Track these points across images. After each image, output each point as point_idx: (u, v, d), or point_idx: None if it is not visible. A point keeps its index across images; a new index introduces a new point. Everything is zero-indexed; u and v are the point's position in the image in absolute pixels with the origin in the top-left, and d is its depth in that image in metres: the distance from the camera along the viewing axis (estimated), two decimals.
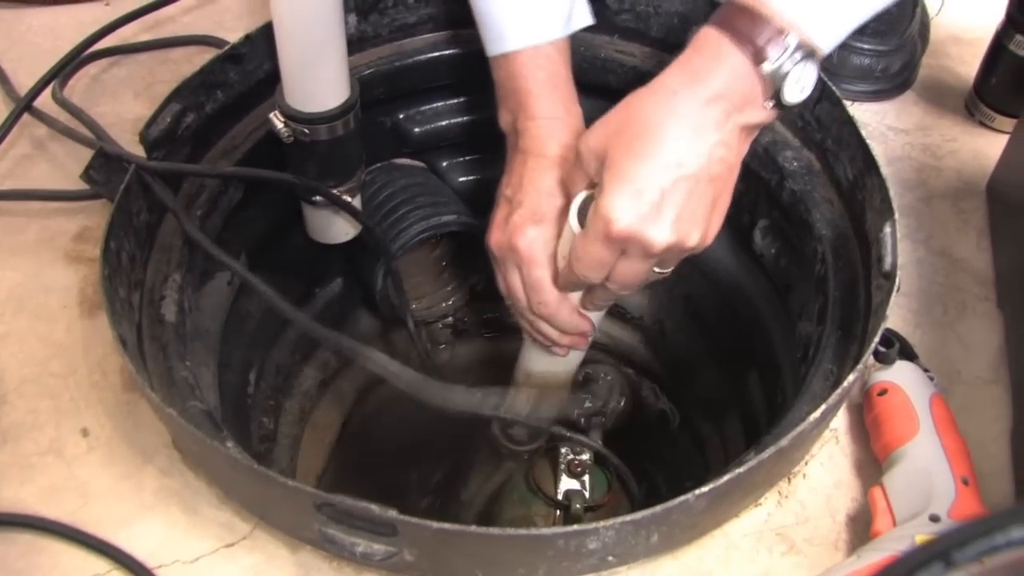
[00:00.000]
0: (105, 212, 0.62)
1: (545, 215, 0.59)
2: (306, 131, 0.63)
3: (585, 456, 0.71)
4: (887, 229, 0.53)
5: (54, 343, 0.62)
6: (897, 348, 0.54)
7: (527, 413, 0.70)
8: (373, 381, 0.90)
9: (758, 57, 0.49)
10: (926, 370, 0.55)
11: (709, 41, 0.50)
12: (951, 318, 0.63)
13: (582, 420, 0.74)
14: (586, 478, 0.72)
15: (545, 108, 0.62)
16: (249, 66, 0.69)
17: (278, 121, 0.63)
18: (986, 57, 0.79)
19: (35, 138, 0.77)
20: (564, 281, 0.59)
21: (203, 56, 0.70)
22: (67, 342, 0.62)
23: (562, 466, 0.72)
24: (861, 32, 0.78)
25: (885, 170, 0.57)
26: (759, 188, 0.69)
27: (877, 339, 0.49)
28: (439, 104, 0.80)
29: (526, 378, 0.73)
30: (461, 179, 0.85)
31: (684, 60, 0.51)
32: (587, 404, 0.74)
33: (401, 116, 0.79)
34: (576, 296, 0.61)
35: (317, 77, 0.61)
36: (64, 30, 0.88)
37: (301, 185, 0.67)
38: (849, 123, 0.61)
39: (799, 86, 0.50)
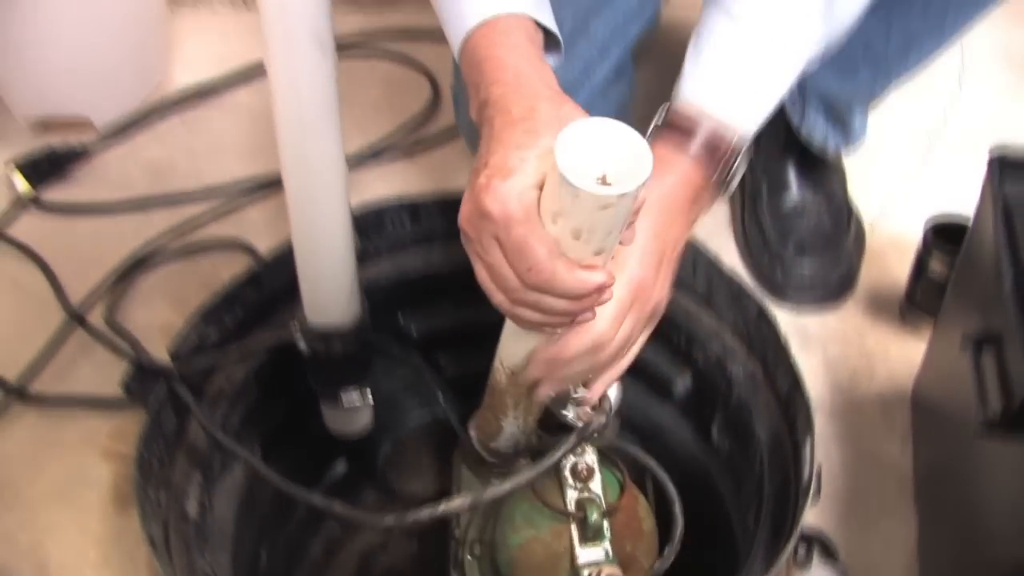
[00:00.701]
0: (138, 413, 0.72)
1: (515, 168, 0.50)
2: (323, 345, 0.73)
3: (589, 457, 0.65)
4: (807, 445, 0.63)
5: (91, 533, 0.71)
6: (814, 550, 0.63)
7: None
8: (376, 547, 0.97)
9: (721, 176, 0.60)
10: (844, 572, 0.63)
11: (686, 170, 0.59)
12: (874, 518, 0.71)
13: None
14: (596, 481, 0.65)
15: (510, 71, 0.57)
16: (265, 286, 0.80)
17: (299, 338, 0.73)
18: (913, 267, 0.88)
19: (82, 342, 0.88)
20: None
21: (230, 260, 0.82)
22: (102, 533, 0.71)
23: (566, 473, 0.65)
24: (801, 251, 0.90)
25: (819, 379, 0.66)
26: (714, 391, 0.79)
27: (792, 543, 0.57)
28: (434, 307, 0.91)
29: (512, 378, 0.62)
30: (456, 372, 0.94)
31: (673, 174, 0.59)
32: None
33: (400, 319, 0.89)
34: (574, 249, 0.50)
35: (332, 300, 0.71)
36: (107, 237, 1.00)
37: (325, 392, 0.77)
38: (782, 345, 0.71)
39: (735, 177, 0.62)
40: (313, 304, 0.71)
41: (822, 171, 0.93)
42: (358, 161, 1.05)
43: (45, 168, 1.06)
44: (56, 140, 1.10)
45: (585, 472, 0.65)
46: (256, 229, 0.99)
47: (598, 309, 0.52)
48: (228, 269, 0.92)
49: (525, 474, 0.61)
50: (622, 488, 0.66)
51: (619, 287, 0.53)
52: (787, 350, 0.70)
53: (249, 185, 1.04)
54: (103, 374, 0.83)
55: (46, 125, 1.14)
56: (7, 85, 1.13)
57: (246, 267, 0.87)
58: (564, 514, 0.64)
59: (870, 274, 0.94)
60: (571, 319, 0.53)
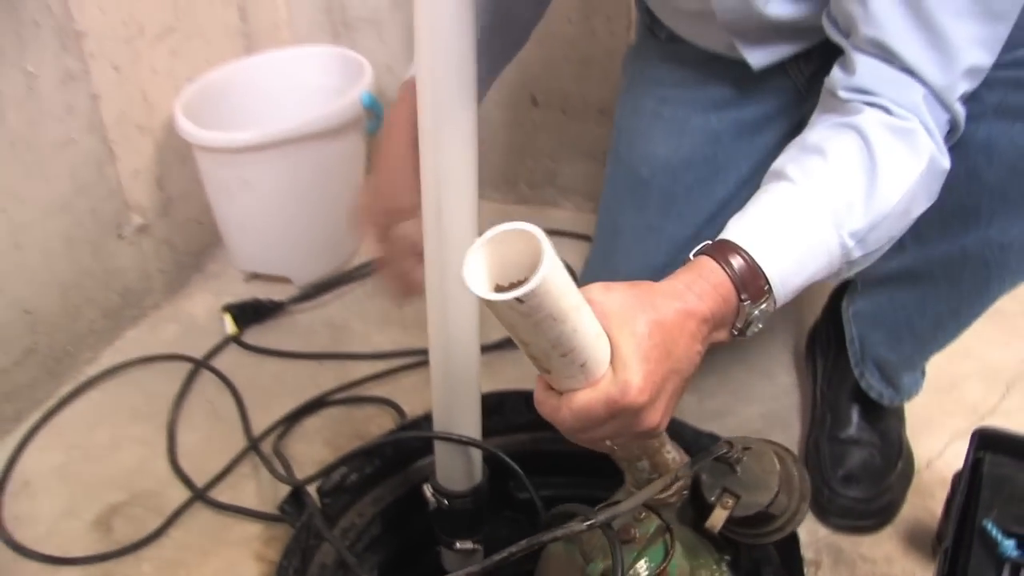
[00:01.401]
0: (287, 529, 0.92)
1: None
2: (447, 502, 0.88)
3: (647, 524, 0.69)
4: None
5: None
6: None
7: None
8: None
9: (740, 294, 0.63)
10: None
11: (708, 269, 0.63)
12: None
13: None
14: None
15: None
16: (404, 443, 0.99)
17: (429, 494, 0.88)
18: (943, 508, 0.93)
19: (254, 463, 1.09)
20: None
21: (380, 415, 1.00)
22: None
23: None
24: (848, 481, 1.00)
25: None
26: None
27: None
28: (541, 478, 1.07)
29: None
30: None
31: (686, 277, 0.63)
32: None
33: (512, 486, 1.06)
34: (560, 369, 0.56)
35: (459, 467, 0.87)
36: (289, 379, 1.23)
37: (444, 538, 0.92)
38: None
39: (757, 324, 0.66)
40: (443, 468, 0.87)
41: (881, 413, 1.03)
42: (496, 346, 1.23)
43: (249, 314, 1.31)
44: (261, 292, 1.36)
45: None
46: (406, 393, 1.18)
47: (580, 396, 0.57)
48: (377, 423, 1.13)
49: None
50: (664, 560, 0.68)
51: (605, 383, 0.57)
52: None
53: (406, 355, 1.24)
54: (266, 492, 1.04)
55: (256, 278, 1.41)
56: (230, 244, 1.41)
57: (392, 424, 1.08)
58: None
59: (914, 507, 1.01)
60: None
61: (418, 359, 1.23)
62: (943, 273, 0.87)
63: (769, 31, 0.86)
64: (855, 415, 1.02)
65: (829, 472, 1.00)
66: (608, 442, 0.62)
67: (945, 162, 0.70)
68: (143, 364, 1.24)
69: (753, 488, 0.69)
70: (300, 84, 1.44)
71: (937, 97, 0.69)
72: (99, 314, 1.27)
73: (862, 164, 0.67)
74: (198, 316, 1.34)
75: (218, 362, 1.25)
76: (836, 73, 0.72)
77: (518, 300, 0.48)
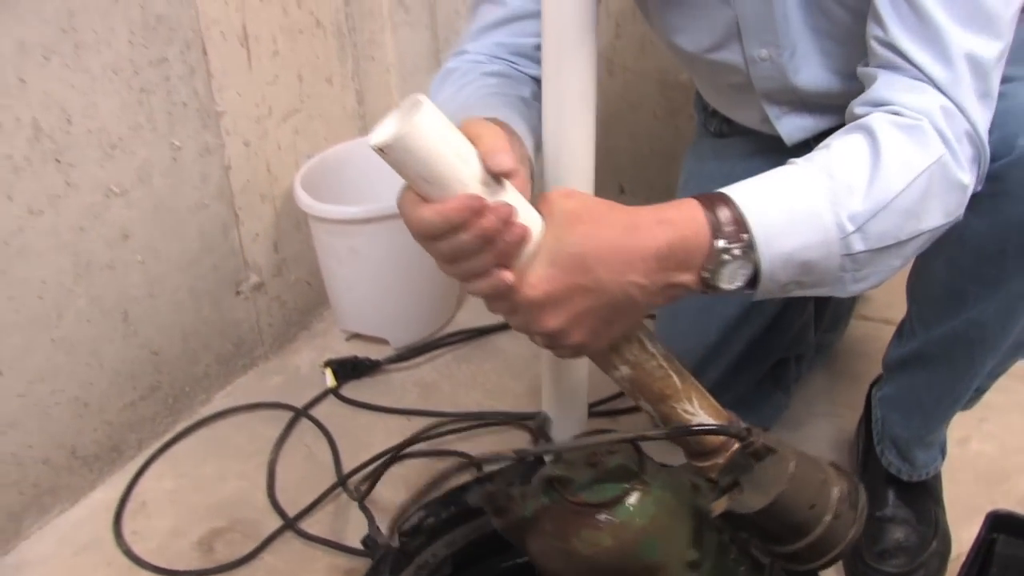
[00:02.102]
0: (367, 562, 1.01)
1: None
2: None
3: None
4: None
5: None
6: None
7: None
8: None
9: (715, 234, 0.63)
10: None
11: (688, 205, 0.65)
12: None
13: None
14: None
15: None
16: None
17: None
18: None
19: (342, 501, 1.20)
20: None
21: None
22: None
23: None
24: (882, 557, 1.02)
25: None
26: None
27: None
28: None
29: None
30: None
31: (662, 207, 0.66)
32: None
33: None
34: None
35: None
36: (379, 431, 1.34)
37: None
38: None
39: (732, 276, 0.65)
40: None
41: (915, 493, 1.07)
42: None
43: (348, 370, 1.43)
44: (361, 351, 1.48)
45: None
46: (484, 450, 1.28)
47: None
48: (456, 475, 1.23)
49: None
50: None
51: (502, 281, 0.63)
52: None
53: (487, 416, 1.34)
54: (351, 528, 1.14)
55: (356, 338, 1.54)
56: (335, 305, 1.54)
57: (469, 478, 1.17)
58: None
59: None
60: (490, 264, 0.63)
61: (498, 420, 1.33)
62: (941, 353, 0.93)
63: (801, 103, 0.94)
64: (890, 494, 1.07)
65: (865, 548, 1.04)
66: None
67: (963, 176, 0.69)
68: (250, 410, 1.38)
69: (755, 489, 0.65)
70: None
71: (953, 105, 0.69)
72: (214, 360, 1.41)
73: (865, 152, 0.68)
74: (302, 369, 1.47)
75: (317, 411, 1.37)
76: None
77: (380, 150, 0.59)
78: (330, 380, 1.40)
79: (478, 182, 0.63)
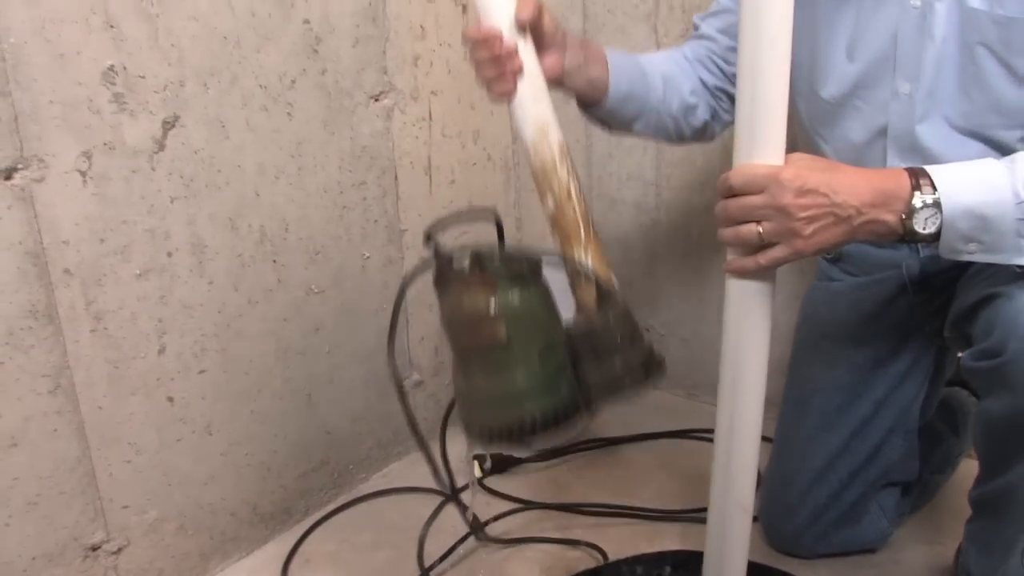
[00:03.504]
0: None
1: None
2: None
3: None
4: None
5: None
6: None
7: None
8: None
9: (914, 188, 0.85)
10: None
11: (897, 171, 0.87)
12: None
13: None
14: None
15: None
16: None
17: None
18: None
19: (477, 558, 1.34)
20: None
21: (586, 557, 1.24)
22: None
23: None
24: None
25: None
26: None
27: None
28: None
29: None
30: None
31: (882, 170, 0.90)
32: None
33: None
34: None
35: None
36: (518, 519, 1.48)
37: None
38: None
39: (926, 222, 0.85)
40: None
41: None
42: None
43: (494, 464, 1.59)
44: (505, 449, 1.65)
45: None
46: (610, 542, 1.39)
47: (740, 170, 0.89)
48: (584, 562, 1.35)
49: None
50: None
51: (763, 167, 0.87)
52: None
53: (613, 510, 1.47)
54: None
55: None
56: None
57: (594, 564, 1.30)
58: None
59: None
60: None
61: (623, 513, 1.45)
62: (1000, 501, 1.01)
63: (920, 159, 1.06)
64: None
65: None
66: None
67: None
68: (405, 492, 1.55)
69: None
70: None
71: None
72: (375, 444, 1.60)
73: None
74: (451, 460, 1.64)
75: (463, 498, 1.52)
76: None
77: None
78: (477, 471, 1.56)
79: (507, 25, 0.95)
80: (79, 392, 1.12)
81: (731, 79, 1.17)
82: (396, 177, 1.52)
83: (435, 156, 1.61)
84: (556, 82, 1.04)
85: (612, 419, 1.78)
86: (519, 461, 1.60)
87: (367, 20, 1.40)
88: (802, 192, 0.86)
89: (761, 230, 0.88)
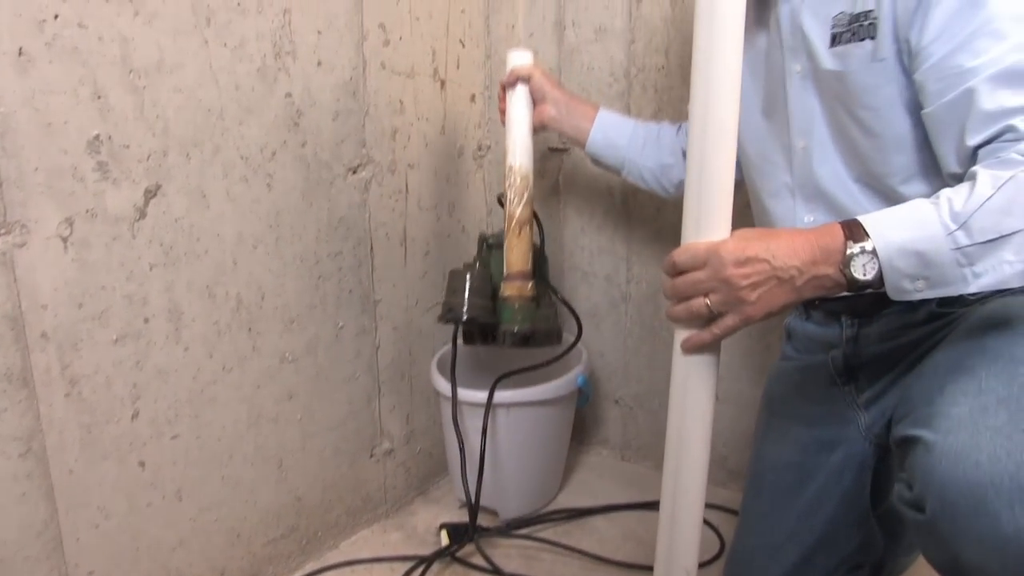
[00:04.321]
0: None
1: None
2: None
3: None
4: None
5: None
6: None
7: None
8: None
9: (847, 238, 0.88)
10: None
11: (833, 227, 0.90)
12: None
13: None
14: None
15: None
16: None
17: None
18: None
19: None
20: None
21: None
22: None
23: None
24: None
25: None
26: None
27: None
28: None
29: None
30: None
31: (816, 228, 0.91)
32: None
33: None
34: None
35: None
36: None
37: None
38: None
39: (864, 268, 0.87)
40: None
41: None
42: None
43: (461, 534, 1.59)
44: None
45: None
46: None
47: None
48: None
49: None
50: None
51: (704, 243, 0.94)
52: None
53: None
54: None
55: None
56: (454, 479, 1.72)
57: None
58: None
59: None
60: None
61: None
62: None
63: (820, 198, 1.14)
64: None
65: None
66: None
67: None
68: (373, 563, 1.54)
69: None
70: None
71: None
72: (345, 511, 1.60)
73: (963, 185, 0.87)
74: (418, 528, 1.64)
75: (432, 569, 1.52)
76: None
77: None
78: (444, 540, 1.56)
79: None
80: (50, 456, 1.13)
81: None
82: (371, 248, 1.55)
83: (411, 227, 1.64)
84: (542, 125, 1.49)
85: (581, 490, 1.79)
86: (487, 531, 1.61)
87: (347, 94, 1.45)
88: (741, 262, 0.91)
89: (709, 302, 0.95)
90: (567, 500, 1.75)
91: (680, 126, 1.46)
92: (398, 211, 1.61)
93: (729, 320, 0.95)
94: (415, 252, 1.66)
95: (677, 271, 0.97)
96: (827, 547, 1.24)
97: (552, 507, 1.71)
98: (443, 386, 1.60)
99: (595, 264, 1.88)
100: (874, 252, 0.87)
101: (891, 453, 1.26)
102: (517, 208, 1.47)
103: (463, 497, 1.69)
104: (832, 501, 1.23)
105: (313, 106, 1.39)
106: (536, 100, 1.47)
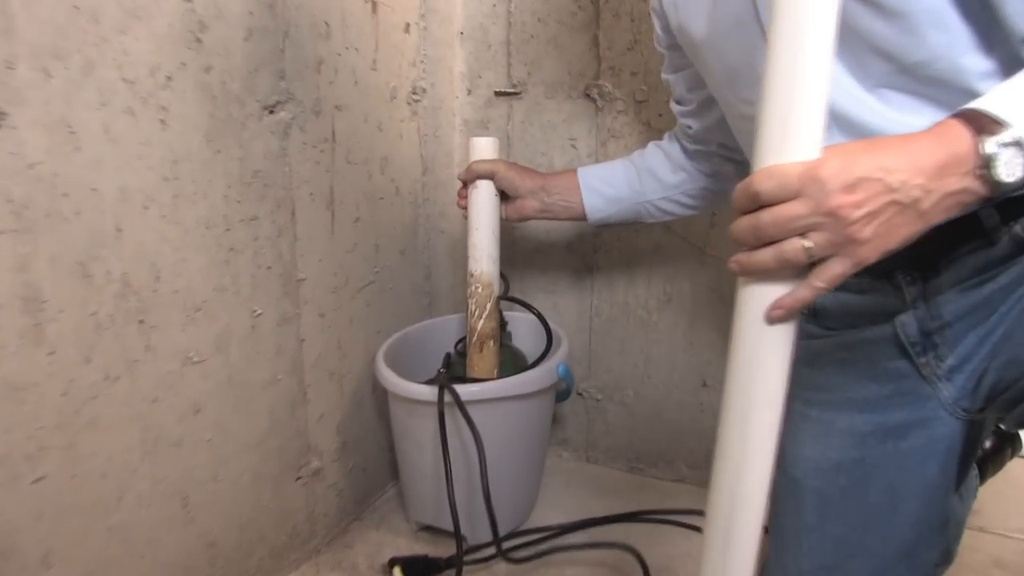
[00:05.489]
0: None
1: None
2: None
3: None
4: None
5: None
6: None
7: None
8: None
9: (976, 132, 0.67)
10: None
11: (950, 125, 0.69)
12: None
13: None
14: None
15: None
16: None
17: None
18: None
19: None
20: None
21: None
22: None
23: None
24: None
25: None
26: None
27: None
28: None
29: None
30: None
31: (930, 130, 0.70)
32: None
33: None
34: None
35: None
36: None
37: None
38: None
39: (1009, 168, 0.67)
40: None
41: None
42: None
43: (419, 569, 1.26)
44: (428, 547, 1.32)
45: None
46: None
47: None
48: None
49: None
50: None
51: (795, 165, 0.68)
52: None
53: None
54: None
55: (426, 531, 1.38)
56: (408, 498, 1.39)
57: None
58: None
59: None
60: None
61: None
62: None
63: None
64: None
65: None
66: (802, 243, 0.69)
67: None
68: None
69: None
70: None
71: None
72: (267, 553, 1.24)
73: None
74: (359, 565, 1.30)
75: None
76: None
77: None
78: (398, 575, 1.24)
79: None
80: None
81: (696, 138, 1.22)
82: (293, 212, 1.20)
83: (338, 186, 1.29)
84: (524, 219, 1.33)
85: (549, 503, 1.49)
86: (449, 562, 1.28)
87: (263, 7, 1.09)
88: (850, 186, 0.68)
89: (809, 244, 0.70)
90: (541, 516, 1.44)
91: (669, 135, 1.29)
92: (324, 165, 1.25)
93: (836, 267, 0.71)
94: (344, 218, 1.32)
95: (759, 203, 0.71)
96: (904, 561, 0.96)
97: (527, 525, 1.40)
98: (395, 383, 1.26)
99: (552, 229, 1.57)
100: (1018, 143, 0.68)
101: (983, 429, 1.01)
102: (479, 321, 1.31)
103: (420, 519, 1.37)
104: (910, 500, 0.95)
105: (219, 18, 1.02)
106: (509, 195, 1.30)
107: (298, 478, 1.29)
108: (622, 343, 1.56)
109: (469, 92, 1.59)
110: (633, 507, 1.45)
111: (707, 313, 1.49)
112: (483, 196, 1.28)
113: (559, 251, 1.57)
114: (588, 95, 1.49)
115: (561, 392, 1.38)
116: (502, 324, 1.37)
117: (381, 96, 1.38)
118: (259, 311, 1.16)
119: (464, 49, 1.58)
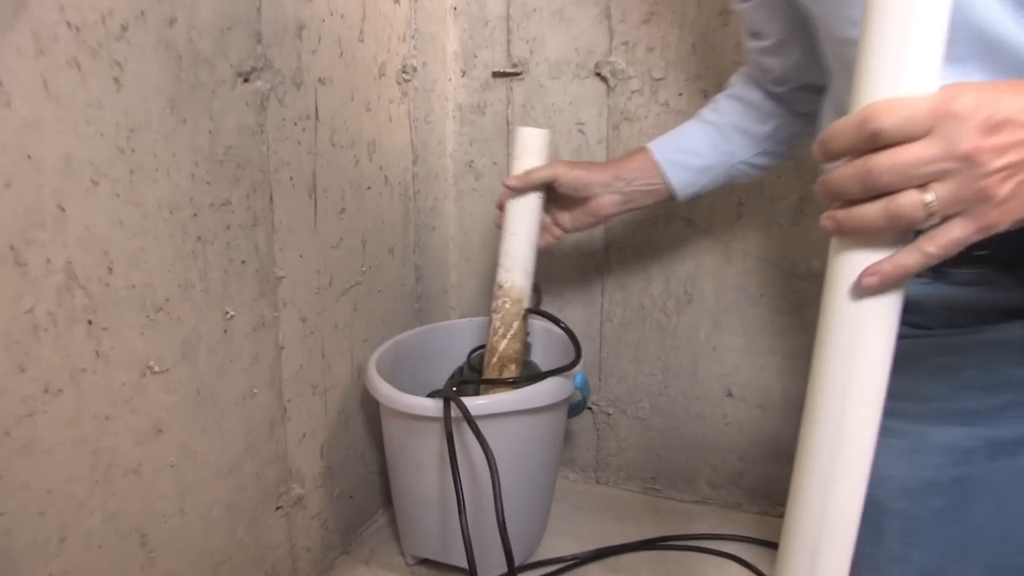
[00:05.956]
0: None
1: None
2: None
3: None
4: None
5: None
6: None
7: None
8: None
9: None
10: None
11: None
12: None
13: None
14: None
15: None
16: None
17: None
18: None
19: None
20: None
21: None
22: None
23: None
24: None
25: None
26: None
27: None
28: None
29: None
30: None
31: None
32: None
33: None
34: None
35: None
36: None
37: None
38: None
39: None
40: None
41: None
42: None
43: None
44: None
45: None
46: None
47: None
48: None
49: None
50: None
51: (924, 99, 0.55)
52: None
53: None
54: None
55: (424, 564, 1.21)
56: (404, 528, 1.22)
57: None
58: None
59: None
60: None
61: None
62: None
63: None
64: None
65: None
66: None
67: None
68: None
69: None
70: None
71: None
72: None
73: None
74: None
75: None
76: None
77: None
78: None
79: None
80: None
81: (781, 79, 1.05)
82: (271, 199, 1.03)
83: (322, 172, 1.12)
84: (601, 221, 1.13)
85: (559, 529, 1.32)
86: None
87: None
88: (992, 127, 0.54)
89: (931, 198, 0.56)
90: (551, 546, 1.27)
91: (739, 80, 1.11)
92: (306, 146, 1.09)
93: (956, 229, 0.57)
94: (328, 209, 1.15)
95: (875, 144, 0.57)
96: None
97: (537, 556, 1.23)
98: (392, 396, 1.09)
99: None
100: None
101: None
102: (502, 341, 1.13)
103: (418, 553, 1.20)
104: (1021, 524, 0.81)
105: None
106: (580, 196, 1.10)
107: (277, 508, 1.11)
108: (636, 350, 1.41)
109: (463, 73, 1.43)
110: (651, 533, 1.29)
111: (733, 315, 1.33)
112: (530, 202, 1.11)
113: (564, 248, 1.41)
114: (598, 74, 1.34)
115: (574, 405, 1.22)
116: (551, 318, 1.18)
117: (369, 72, 1.22)
118: (232, 313, 0.98)
119: (457, 26, 1.42)
